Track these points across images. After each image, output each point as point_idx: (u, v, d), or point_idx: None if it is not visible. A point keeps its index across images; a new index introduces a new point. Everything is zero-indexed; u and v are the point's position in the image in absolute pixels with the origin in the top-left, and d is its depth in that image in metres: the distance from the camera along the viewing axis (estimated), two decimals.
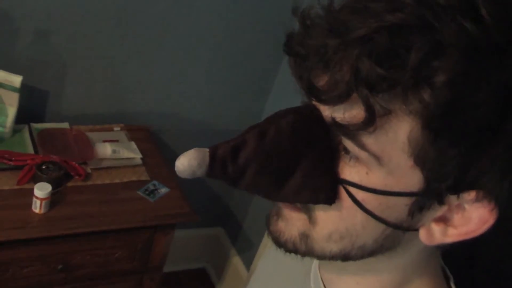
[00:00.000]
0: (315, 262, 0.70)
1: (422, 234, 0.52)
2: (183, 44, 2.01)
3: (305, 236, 0.56)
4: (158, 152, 1.96)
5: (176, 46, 2.00)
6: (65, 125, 1.89)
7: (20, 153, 1.68)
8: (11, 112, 1.73)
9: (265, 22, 2.08)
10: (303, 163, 0.52)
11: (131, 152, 1.84)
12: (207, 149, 0.52)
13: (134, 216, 1.68)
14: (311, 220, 0.55)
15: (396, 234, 0.53)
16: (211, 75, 2.14)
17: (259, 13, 2.06)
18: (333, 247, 0.55)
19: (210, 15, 1.98)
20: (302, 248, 0.57)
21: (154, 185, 1.79)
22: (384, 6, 0.46)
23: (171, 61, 2.03)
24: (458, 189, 0.49)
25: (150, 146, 1.95)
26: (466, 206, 0.50)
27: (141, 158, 1.85)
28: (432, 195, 0.49)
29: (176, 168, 0.51)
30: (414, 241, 0.55)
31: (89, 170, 1.74)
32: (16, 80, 1.70)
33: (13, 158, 1.65)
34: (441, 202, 0.50)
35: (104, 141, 1.85)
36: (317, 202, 0.53)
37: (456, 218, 0.51)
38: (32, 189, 1.56)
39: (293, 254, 0.59)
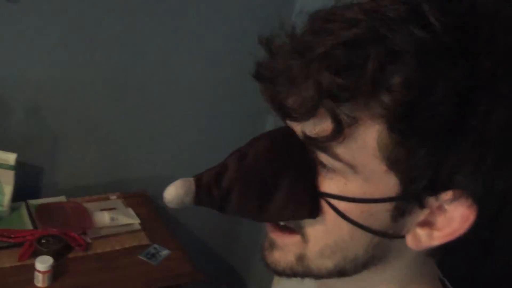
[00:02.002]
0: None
1: (409, 239, 0.54)
2: (176, 105, 2.05)
3: (301, 258, 0.58)
4: (156, 215, 1.97)
5: (169, 107, 2.04)
6: (62, 198, 1.91)
7: (19, 230, 1.69)
8: (8, 190, 1.75)
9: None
10: (284, 181, 0.54)
11: (129, 218, 1.86)
12: (192, 178, 0.54)
13: (138, 281, 1.68)
14: (304, 238, 0.57)
15: (384, 242, 0.55)
16: (204, 138, 2.17)
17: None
18: (328, 264, 0.56)
19: (199, 80, 2.03)
20: (300, 271, 0.58)
21: (155, 248, 1.79)
22: (340, 25, 0.49)
23: (162, 125, 2.06)
24: (434, 189, 0.50)
25: (147, 211, 1.96)
26: (447, 207, 0.52)
27: (140, 223, 1.86)
28: (410, 198, 0.51)
29: (164, 199, 0.54)
30: (404, 251, 0.56)
31: (89, 240, 1.75)
32: (11, 158, 1.72)
33: (13, 236, 1.66)
34: (421, 205, 0.52)
35: (102, 210, 1.86)
36: (300, 217, 0.55)
37: (439, 220, 0.53)
38: (34, 264, 1.56)
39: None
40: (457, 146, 0.48)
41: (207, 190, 0.54)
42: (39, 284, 1.55)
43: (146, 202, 2.02)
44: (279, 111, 0.52)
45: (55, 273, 1.58)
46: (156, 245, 1.80)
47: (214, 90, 2.10)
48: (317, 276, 0.58)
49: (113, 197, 1.99)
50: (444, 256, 0.59)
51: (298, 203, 0.54)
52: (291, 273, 0.59)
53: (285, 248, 0.59)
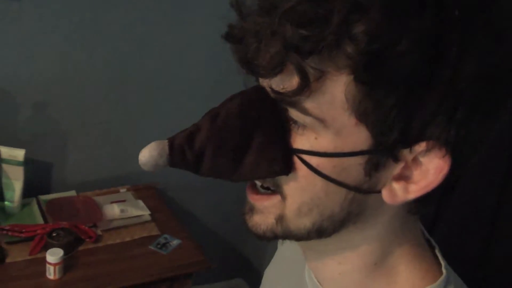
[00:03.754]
0: None
1: (385, 194, 0.53)
2: (182, 97, 2.06)
3: (280, 218, 0.58)
4: (166, 207, 1.98)
5: (174, 100, 2.05)
6: (72, 193, 1.92)
7: (30, 225, 1.71)
8: (18, 186, 1.77)
9: None
10: (256, 139, 0.54)
11: (139, 210, 1.87)
12: (167, 140, 0.55)
13: (149, 270, 1.69)
14: (283, 197, 0.57)
15: (360, 197, 0.54)
16: None
17: None
18: (306, 222, 0.56)
19: (203, 69, 2.04)
20: (279, 231, 0.59)
21: (166, 238, 1.80)
22: None
23: (170, 116, 2.07)
24: (406, 141, 0.50)
25: (157, 203, 1.97)
26: (421, 159, 0.51)
27: (150, 214, 1.87)
28: (383, 151, 0.51)
29: (139, 161, 0.54)
30: (382, 207, 0.56)
31: (99, 232, 1.76)
32: (19, 154, 1.74)
33: (24, 230, 1.68)
34: (395, 158, 0.51)
35: (112, 202, 1.87)
36: (274, 174, 0.55)
37: (415, 174, 0.52)
38: (45, 257, 1.57)
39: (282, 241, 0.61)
40: (427, 97, 0.48)
41: (181, 151, 0.54)
42: (51, 277, 1.57)
43: (156, 194, 2.03)
44: (248, 69, 0.53)
45: (66, 265, 1.59)
46: (166, 235, 1.81)
47: (218, 84, 2.10)
48: (297, 236, 0.58)
49: (123, 190, 2.00)
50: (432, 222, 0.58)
51: (270, 160, 0.54)
52: (271, 235, 0.59)
53: (264, 210, 0.59)
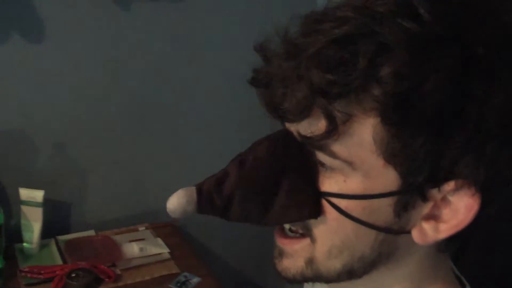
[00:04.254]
0: None
1: (415, 234, 0.53)
2: (197, 135, 2.07)
3: (310, 261, 0.57)
4: (185, 244, 1.97)
5: (192, 137, 2.06)
6: (91, 232, 1.92)
7: (49, 266, 1.70)
8: (37, 227, 1.77)
9: None
10: (284, 184, 0.54)
11: (158, 248, 1.85)
12: (194, 186, 0.54)
13: None
14: (312, 239, 0.56)
15: (390, 238, 0.53)
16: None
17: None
18: (336, 264, 0.56)
19: (218, 107, 2.05)
20: (310, 275, 0.58)
21: (185, 276, 1.78)
22: (331, 24, 0.49)
23: (187, 154, 2.07)
24: (436, 181, 0.49)
25: (176, 240, 1.95)
26: (450, 198, 0.51)
27: (169, 252, 1.86)
28: (412, 191, 0.50)
29: (168, 209, 0.54)
30: (413, 247, 0.55)
31: (118, 272, 1.75)
32: (39, 195, 1.75)
33: (43, 271, 1.67)
34: (424, 198, 0.51)
35: (131, 241, 1.87)
36: (303, 218, 0.54)
37: (445, 212, 0.51)
38: None
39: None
40: (455, 135, 0.47)
41: (209, 197, 0.54)
42: None
43: (175, 232, 2.02)
44: (275, 114, 0.53)
45: None
46: (186, 273, 1.79)
47: (237, 111, 2.11)
48: (327, 278, 0.57)
49: (142, 228, 1.99)
50: (458, 252, 0.57)
51: (300, 203, 0.53)
52: (301, 278, 0.58)
53: (294, 254, 0.59)
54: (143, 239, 1.90)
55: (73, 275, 1.66)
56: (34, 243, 1.77)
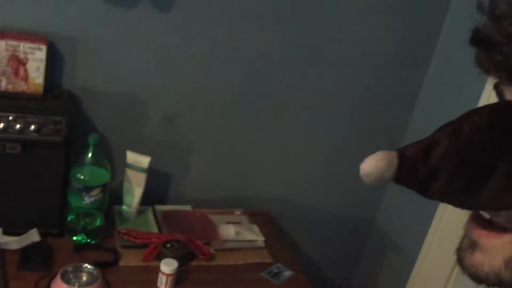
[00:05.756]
0: None
1: None
2: (304, 128, 2.01)
3: (511, 262, 0.48)
4: (280, 235, 1.91)
5: (297, 130, 2.00)
6: (187, 207, 1.89)
7: (146, 232, 1.68)
8: (138, 192, 1.76)
9: (386, 108, 2.06)
10: (503, 162, 0.45)
11: (254, 235, 1.80)
12: (395, 151, 0.47)
13: None
14: None
15: None
16: (332, 160, 2.10)
17: (380, 97, 2.04)
18: None
19: (333, 98, 1.99)
20: (507, 278, 0.49)
21: (278, 267, 1.72)
22: None
23: (292, 144, 2.02)
24: None
25: (271, 230, 1.90)
26: None
27: (264, 241, 1.80)
28: None
29: (361, 172, 0.47)
30: None
31: (212, 251, 1.71)
32: (145, 160, 1.73)
33: (139, 236, 1.65)
34: None
35: (227, 223, 1.82)
36: None
37: None
38: (156, 267, 1.53)
39: None
40: None
41: (412, 165, 0.46)
42: (162, 286, 1.52)
43: (270, 221, 1.97)
44: (509, 77, 0.45)
45: (178, 278, 1.54)
46: (279, 265, 1.73)
47: (347, 110, 2.04)
48: None
49: (238, 212, 1.95)
50: None
51: None
52: (495, 280, 0.49)
53: (491, 250, 0.50)
54: (239, 223, 1.85)
55: (168, 245, 1.64)
56: (133, 208, 1.76)
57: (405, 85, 2.05)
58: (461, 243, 0.53)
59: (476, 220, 0.51)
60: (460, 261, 0.52)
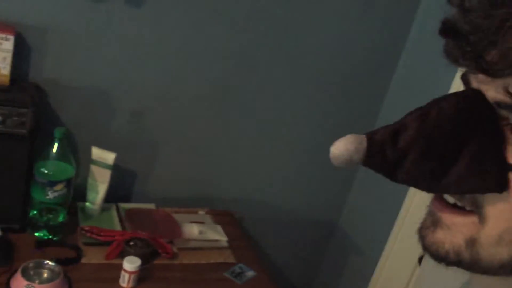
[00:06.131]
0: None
1: None
2: (270, 128, 2.02)
3: (471, 242, 0.50)
4: (243, 236, 1.92)
5: (263, 130, 2.01)
6: (151, 206, 1.88)
7: (109, 230, 1.67)
8: (102, 189, 1.74)
9: (353, 108, 2.08)
10: (468, 147, 0.47)
11: (217, 234, 1.81)
12: (364, 135, 0.49)
13: None
14: (481, 218, 0.49)
15: None
16: (297, 162, 2.12)
17: (348, 96, 2.06)
18: (503, 253, 0.49)
19: (299, 97, 2.00)
20: (466, 258, 0.51)
21: (241, 268, 1.72)
22: None
23: (257, 145, 2.03)
24: None
25: (234, 230, 1.90)
26: None
27: (227, 241, 1.80)
28: None
29: (331, 154, 0.48)
30: None
31: (175, 250, 1.70)
32: (110, 157, 1.72)
33: (102, 234, 1.64)
34: None
35: (191, 222, 1.82)
36: (484, 190, 0.48)
37: None
38: (119, 265, 1.53)
39: (454, 268, 0.52)
40: None
41: (381, 148, 0.48)
42: (124, 284, 1.51)
43: (233, 222, 1.97)
44: (476, 65, 0.47)
45: (140, 276, 1.53)
46: (241, 265, 1.73)
47: (314, 110, 2.05)
48: (485, 268, 0.50)
49: (201, 212, 1.95)
50: None
51: (483, 173, 0.47)
52: (455, 259, 0.51)
53: (453, 227, 0.51)
54: (202, 223, 1.85)
55: (131, 243, 1.63)
56: (97, 204, 1.75)
57: (374, 82, 2.06)
58: (423, 222, 0.54)
59: (440, 198, 0.53)
60: (421, 239, 0.53)
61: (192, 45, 1.79)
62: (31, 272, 1.44)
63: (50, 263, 1.47)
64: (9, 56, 1.53)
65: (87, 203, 1.75)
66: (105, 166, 1.73)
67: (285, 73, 1.95)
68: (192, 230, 1.77)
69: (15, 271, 1.42)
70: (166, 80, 1.81)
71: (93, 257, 1.59)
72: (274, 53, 1.90)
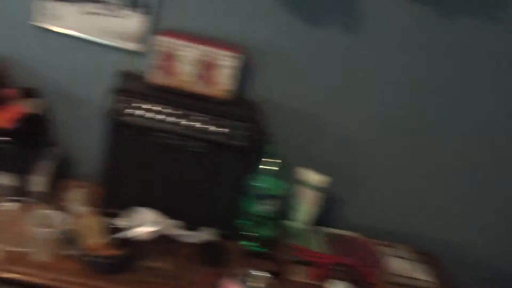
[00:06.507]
0: None
1: None
2: (474, 166, 1.91)
3: None
4: (445, 279, 1.79)
5: (466, 167, 1.91)
6: (356, 234, 1.85)
7: (316, 251, 1.66)
8: (311, 210, 1.76)
9: None
10: None
11: (424, 274, 1.72)
12: None
13: None
14: None
15: None
16: (507, 207, 1.97)
17: None
18: None
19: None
20: None
21: None
22: None
23: (460, 184, 1.92)
24: None
25: (437, 272, 1.79)
26: None
27: (434, 283, 1.70)
28: None
29: None
30: None
31: (379, 281, 1.65)
32: (324, 180, 1.73)
33: (309, 254, 1.64)
34: None
35: (395, 256, 1.76)
36: None
37: None
38: (320, 286, 1.53)
39: None
40: None
41: None
42: None
43: (434, 263, 1.85)
44: None
45: None
46: None
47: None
48: None
49: (401, 247, 1.87)
50: None
51: None
52: None
53: None
54: (406, 259, 1.77)
55: (337, 268, 1.60)
56: (303, 224, 1.76)
57: None
58: None
59: None
60: None
61: (402, 76, 1.76)
62: (245, 279, 1.46)
63: (259, 273, 1.49)
64: (234, 73, 1.60)
65: (294, 222, 1.76)
66: (315, 188, 1.74)
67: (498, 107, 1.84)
68: (397, 264, 1.71)
69: (228, 274, 1.46)
70: (379, 110, 1.80)
71: (297, 275, 1.59)
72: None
